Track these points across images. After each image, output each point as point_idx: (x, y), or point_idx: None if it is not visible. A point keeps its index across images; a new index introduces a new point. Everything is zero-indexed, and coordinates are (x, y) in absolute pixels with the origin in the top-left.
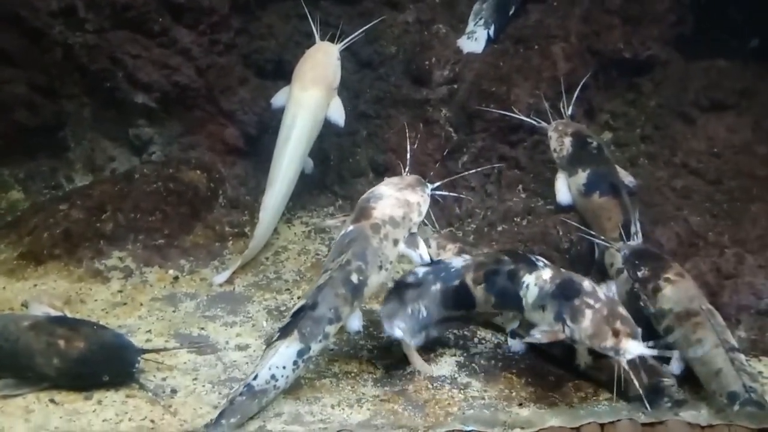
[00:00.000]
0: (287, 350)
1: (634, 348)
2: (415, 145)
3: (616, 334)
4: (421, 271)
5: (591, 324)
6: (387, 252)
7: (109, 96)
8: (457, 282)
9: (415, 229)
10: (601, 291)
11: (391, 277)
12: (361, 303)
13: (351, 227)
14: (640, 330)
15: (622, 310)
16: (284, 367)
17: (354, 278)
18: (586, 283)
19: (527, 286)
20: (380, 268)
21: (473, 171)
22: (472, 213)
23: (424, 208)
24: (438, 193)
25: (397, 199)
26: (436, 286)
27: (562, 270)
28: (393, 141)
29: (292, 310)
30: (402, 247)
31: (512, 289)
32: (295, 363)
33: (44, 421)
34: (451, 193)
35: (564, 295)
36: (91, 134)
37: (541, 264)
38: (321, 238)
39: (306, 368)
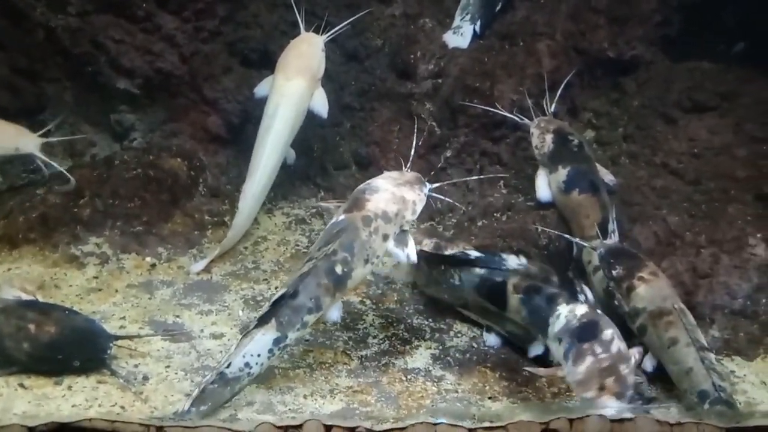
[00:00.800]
0: (263, 338)
1: (611, 407)
2: (420, 141)
3: (601, 388)
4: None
5: (584, 371)
6: (375, 246)
7: (91, 80)
8: (499, 279)
9: (407, 227)
10: (620, 344)
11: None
12: (343, 295)
13: (342, 216)
14: (630, 392)
15: (623, 369)
16: (259, 355)
17: (338, 269)
18: (609, 332)
19: (558, 315)
20: (366, 261)
21: (481, 177)
22: (453, 208)
23: (419, 208)
24: (435, 195)
25: (393, 194)
26: (481, 271)
27: (599, 311)
28: (377, 134)
29: (273, 298)
30: (390, 244)
31: (545, 312)
32: (270, 351)
33: (12, 405)
34: (447, 199)
35: (579, 336)
36: (72, 118)
37: (582, 298)
38: (301, 229)
39: (281, 357)
